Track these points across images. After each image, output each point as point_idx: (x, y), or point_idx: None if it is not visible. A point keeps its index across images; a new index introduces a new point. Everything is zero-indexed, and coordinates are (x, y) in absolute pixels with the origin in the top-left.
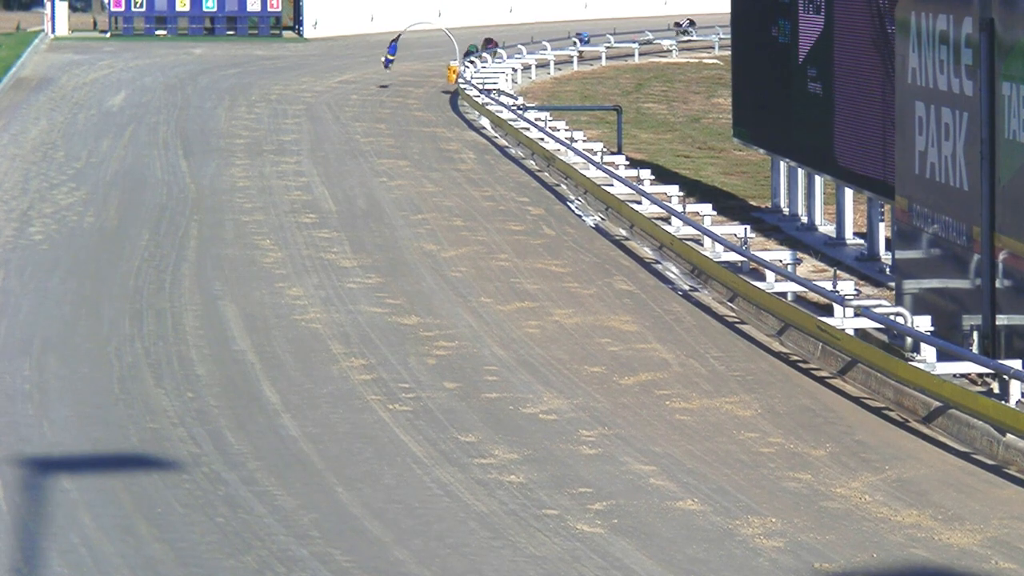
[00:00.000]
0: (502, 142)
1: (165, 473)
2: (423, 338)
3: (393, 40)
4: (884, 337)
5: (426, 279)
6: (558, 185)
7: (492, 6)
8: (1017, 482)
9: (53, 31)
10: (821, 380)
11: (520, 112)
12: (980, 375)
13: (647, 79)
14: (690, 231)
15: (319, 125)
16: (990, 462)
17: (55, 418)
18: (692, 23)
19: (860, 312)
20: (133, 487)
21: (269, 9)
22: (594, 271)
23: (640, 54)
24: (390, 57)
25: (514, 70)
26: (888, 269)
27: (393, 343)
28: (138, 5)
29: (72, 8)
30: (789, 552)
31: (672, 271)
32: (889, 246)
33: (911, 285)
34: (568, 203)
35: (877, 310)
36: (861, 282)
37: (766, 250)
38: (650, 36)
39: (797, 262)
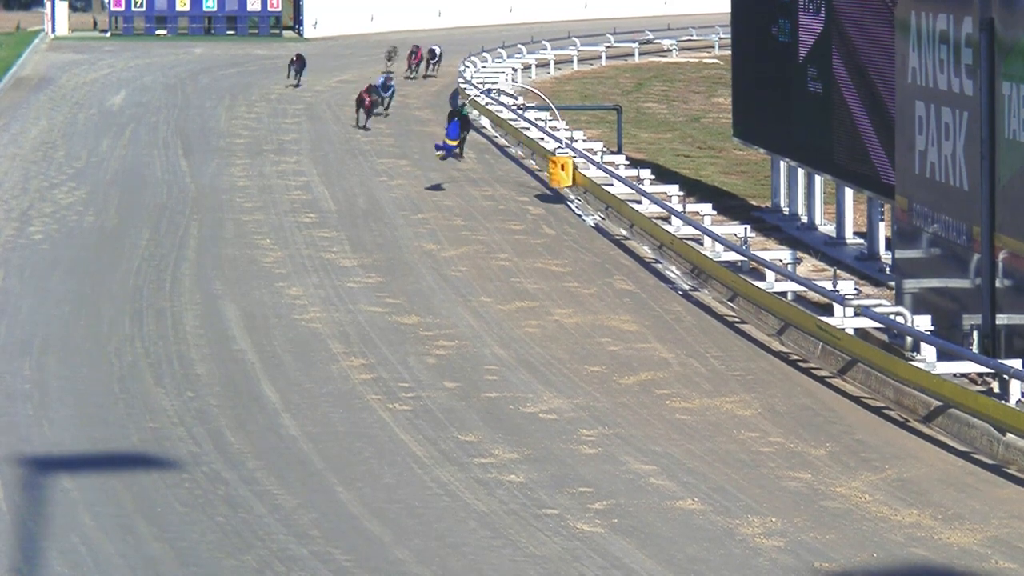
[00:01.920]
0: (502, 142)
1: (165, 472)
2: (423, 337)
3: (453, 116)
4: (884, 337)
5: (426, 278)
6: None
7: (492, 6)
8: (1017, 481)
9: (53, 31)
10: (821, 379)
11: (520, 111)
12: (980, 374)
13: (647, 79)
14: (690, 231)
15: (319, 125)
16: (990, 461)
17: (55, 418)
18: (395, 49)
19: (860, 311)
20: (133, 487)
21: (269, 9)
22: (594, 271)
23: (640, 53)
24: (450, 143)
25: (514, 70)
26: (888, 268)
27: (393, 342)
28: (138, 5)
29: (72, 8)
30: (789, 551)
31: (672, 271)
32: (889, 246)
33: (911, 285)
34: (568, 203)
35: (877, 309)
36: (861, 281)
37: (766, 250)
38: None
39: (797, 262)
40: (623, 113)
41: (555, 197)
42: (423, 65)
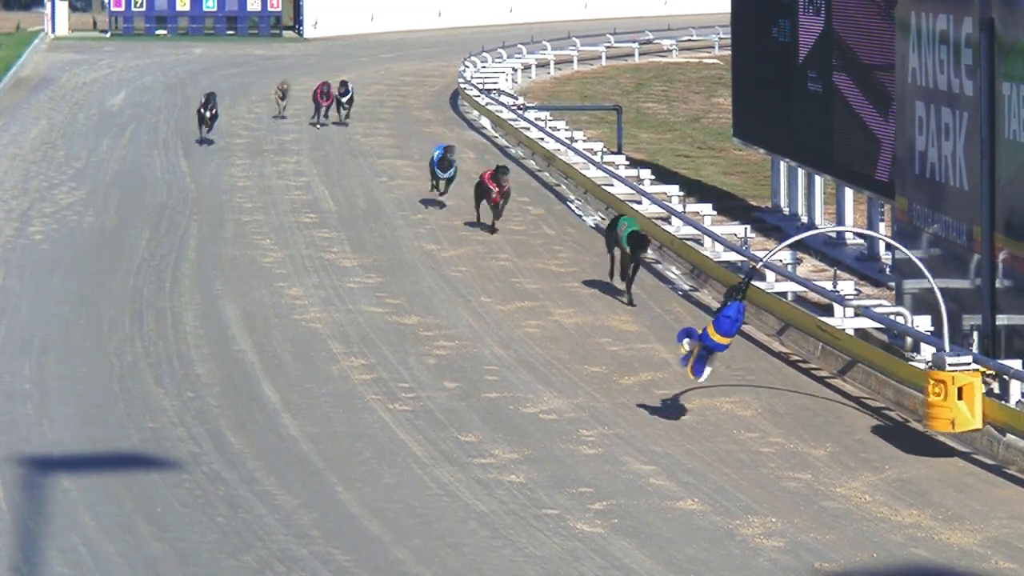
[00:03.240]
0: (502, 142)
1: (165, 472)
2: (423, 338)
3: (733, 296)
4: (884, 337)
5: (426, 279)
6: (558, 185)
7: (492, 6)
8: (1017, 482)
9: (53, 31)
10: (821, 380)
11: (520, 112)
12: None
13: (647, 79)
14: (690, 231)
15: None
16: (990, 462)
17: (55, 417)
18: (287, 89)
19: (860, 312)
20: (133, 487)
21: (269, 9)
22: (594, 271)
23: (640, 54)
24: (722, 342)
25: (514, 70)
26: (888, 269)
27: (393, 343)
28: (138, 5)
29: (72, 8)
30: (789, 552)
31: (672, 271)
32: (889, 246)
33: (911, 285)
34: (568, 203)
35: (877, 310)
36: (861, 282)
37: (766, 250)
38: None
39: (797, 262)
40: (623, 113)
41: (556, 198)
42: (334, 108)
